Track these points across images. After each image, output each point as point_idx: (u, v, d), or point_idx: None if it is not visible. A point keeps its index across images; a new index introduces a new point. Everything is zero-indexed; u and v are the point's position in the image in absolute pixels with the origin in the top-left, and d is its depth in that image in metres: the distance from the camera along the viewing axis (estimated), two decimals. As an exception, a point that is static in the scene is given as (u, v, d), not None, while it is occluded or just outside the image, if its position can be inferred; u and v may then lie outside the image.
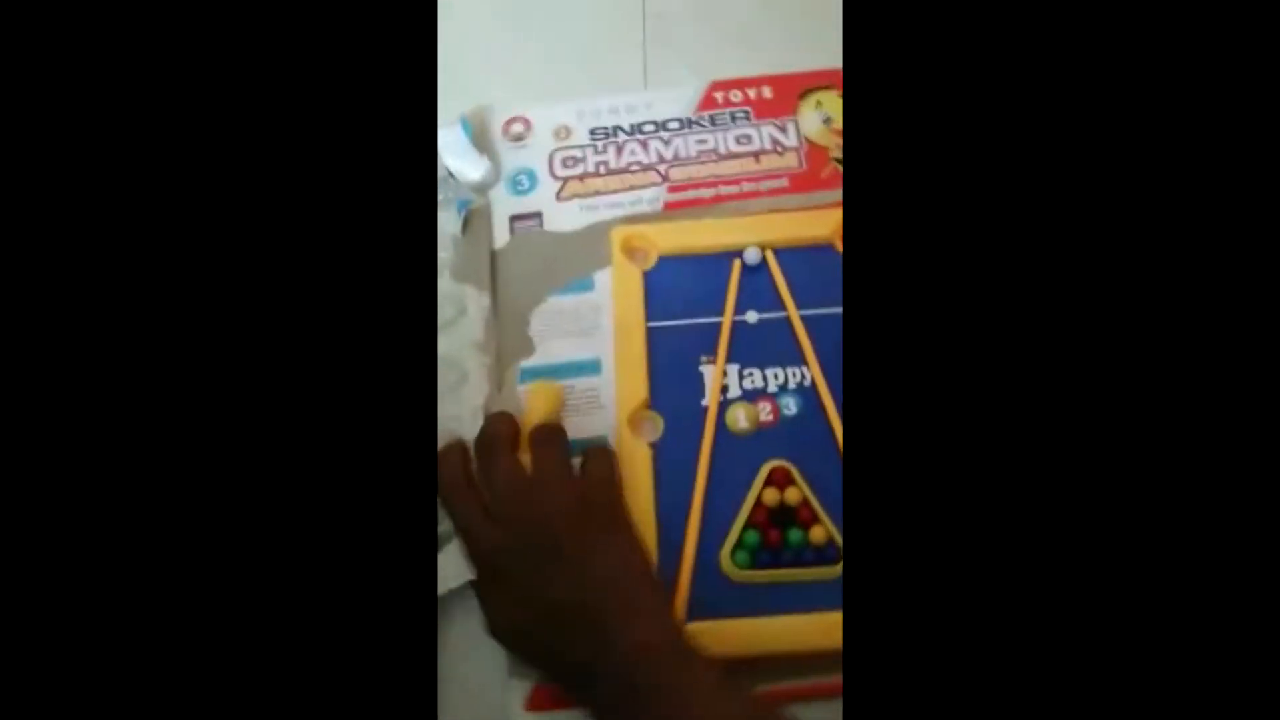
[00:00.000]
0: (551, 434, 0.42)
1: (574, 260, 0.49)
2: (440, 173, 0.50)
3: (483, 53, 0.55)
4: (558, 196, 0.51)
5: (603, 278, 0.48)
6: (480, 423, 0.44)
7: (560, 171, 0.51)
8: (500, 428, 0.42)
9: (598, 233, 0.49)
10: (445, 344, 0.47)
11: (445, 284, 0.48)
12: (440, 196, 0.50)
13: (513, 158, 0.52)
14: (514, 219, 0.50)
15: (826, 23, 0.53)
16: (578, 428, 0.45)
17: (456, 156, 0.50)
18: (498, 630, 0.40)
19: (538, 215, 0.50)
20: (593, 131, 0.52)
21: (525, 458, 0.41)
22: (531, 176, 0.51)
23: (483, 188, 0.51)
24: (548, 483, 0.40)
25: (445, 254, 0.49)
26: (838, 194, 0.50)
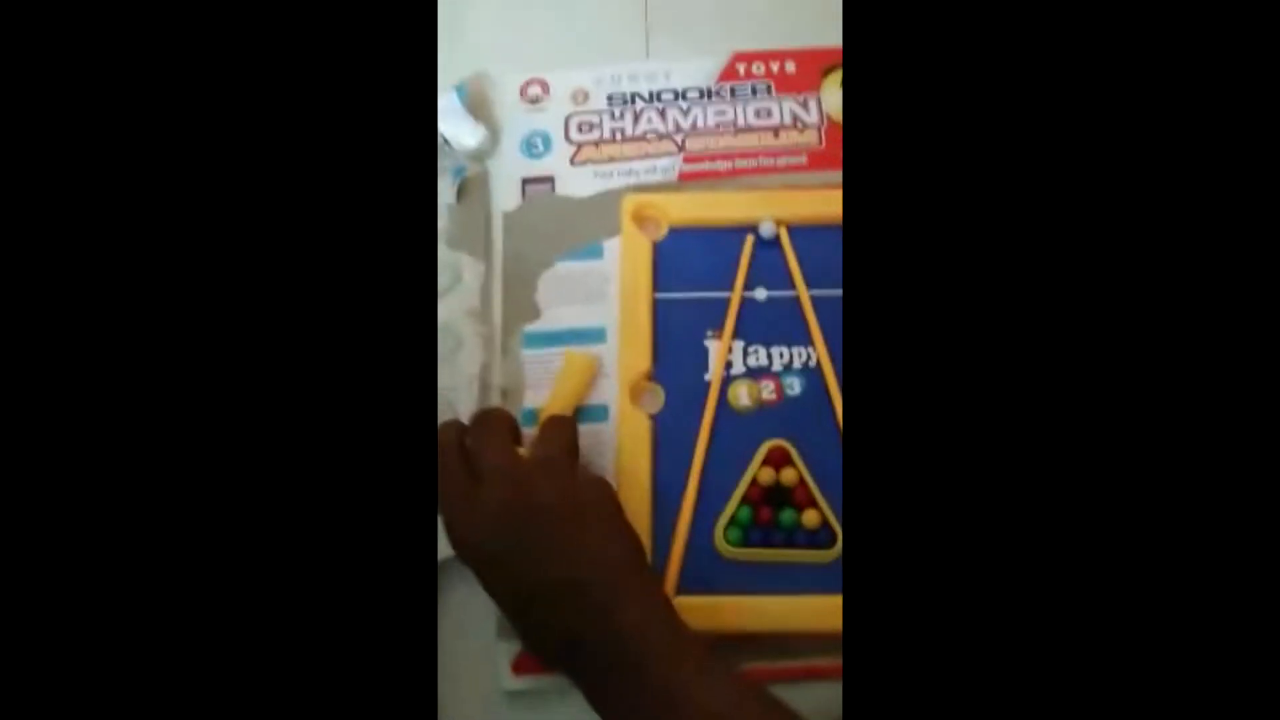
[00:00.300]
0: (562, 426, 0.42)
1: (585, 226, 0.48)
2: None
3: (480, 24, 0.54)
4: (572, 161, 0.50)
5: (613, 245, 0.48)
6: (475, 391, 0.43)
7: (576, 136, 0.51)
8: (498, 412, 0.42)
9: (610, 200, 0.49)
10: (441, 312, 0.46)
11: (441, 252, 0.47)
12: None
13: (528, 120, 0.51)
14: (526, 182, 0.50)
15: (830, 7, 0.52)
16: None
17: (451, 123, 0.49)
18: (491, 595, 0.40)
19: (550, 179, 0.50)
20: (610, 97, 0.51)
21: (522, 450, 0.40)
22: (546, 140, 0.51)
23: (479, 155, 0.50)
24: (545, 472, 0.39)
25: (441, 222, 0.48)
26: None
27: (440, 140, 0.49)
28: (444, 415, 0.44)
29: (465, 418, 0.43)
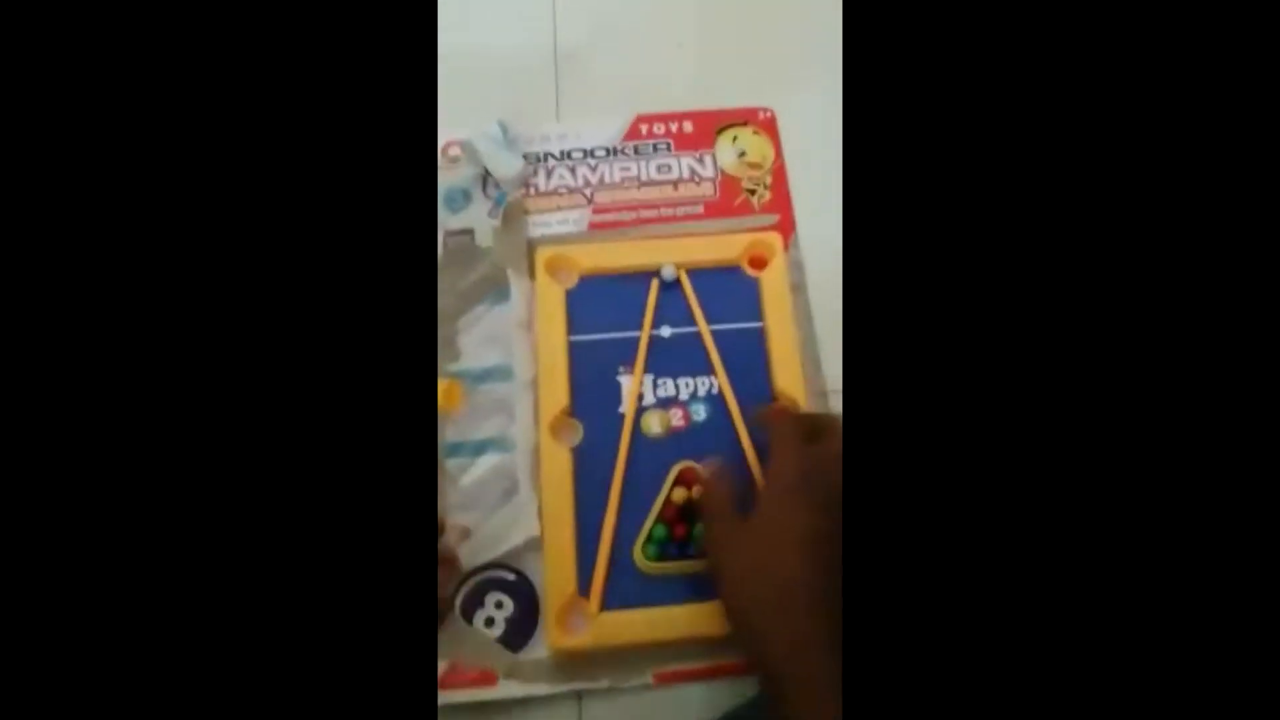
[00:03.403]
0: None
1: (499, 274, 0.52)
2: (479, 172, 0.55)
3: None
4: (489, 214, 0.54)
5: (523, 291, 0.52)
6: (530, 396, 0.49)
7: (492, 192, 0.55)
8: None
9: (525, 249, 0.53)
10: (492, 324, 0.52)
11: (487, 269, 0.53)
12: (482, 194, 0.55)
13: (448, 177, 0.55)
14: (448, 234, 0.54)
15: (735, 73, 0.58)
16: (487, 428, 0.49)
17: (493, 155, 0.54)
18: None
19: (470, 231, 0.54)
20: (525, 156, 0.56)
21: None
22: (466, 195, 0.54)
23: (516, 184, 0.55)
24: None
25: (488, 243, 0.53)
26: (747, 220, 0.55)
27: (483, 172, 0.55)
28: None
29: None
